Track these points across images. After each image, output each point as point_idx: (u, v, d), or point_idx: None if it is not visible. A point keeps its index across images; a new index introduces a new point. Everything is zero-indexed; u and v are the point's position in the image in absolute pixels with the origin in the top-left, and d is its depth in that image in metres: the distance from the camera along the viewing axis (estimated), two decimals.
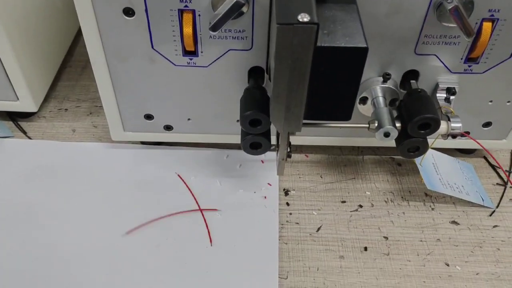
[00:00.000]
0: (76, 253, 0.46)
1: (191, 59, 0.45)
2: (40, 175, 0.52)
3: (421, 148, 0.44)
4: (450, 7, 0.38)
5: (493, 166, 0.56)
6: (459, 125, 0.44)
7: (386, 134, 0.43)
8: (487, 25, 0.41)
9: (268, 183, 0.53)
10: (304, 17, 0.32)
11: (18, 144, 0.56)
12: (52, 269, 0.45)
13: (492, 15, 0.41)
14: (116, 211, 0.49)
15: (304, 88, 0.36)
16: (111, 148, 0.55)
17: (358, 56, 0.35)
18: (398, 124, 0.44)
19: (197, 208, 0.50)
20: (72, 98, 0.62)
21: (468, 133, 0.51)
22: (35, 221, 0.48)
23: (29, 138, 0.57)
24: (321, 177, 0.54)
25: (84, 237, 0.47)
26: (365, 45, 0.34)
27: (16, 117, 0.58)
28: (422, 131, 0.43)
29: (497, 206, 0.52)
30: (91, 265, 0.45)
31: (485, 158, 0.57)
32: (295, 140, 0.53)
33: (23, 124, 0.58)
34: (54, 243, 0.47)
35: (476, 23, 0.41)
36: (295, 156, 0.56)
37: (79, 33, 0.68)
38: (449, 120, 0.44)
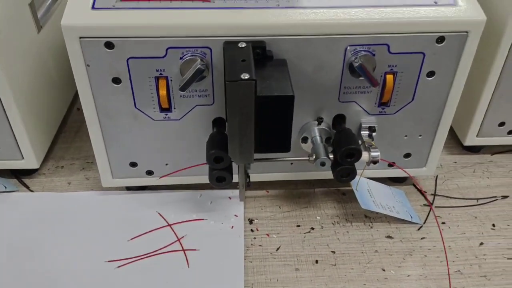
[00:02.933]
0: (71, 283, 0.55)
1: (166, 114, 0.57)
2: (42, 220, 0.62)
3: (351, 174, 0.56)
4: (357, 65, 0.52)
5: (420, 191, 0.68)
6: (378, 153, 0.56)
7: (322, 163, 0.55)
8: (389, 77, 0.55)
9: (235, 215, 0.63)
10: (245, 76, 0.45)
11: (22, 196, 0.66)
12: None
13: (392, 69, 0.55)
14: (107, 247, 0.59)
15: (252, 128, 0.48)
16: (101, 195, 0.66)
17: (287, 102, 0.47)
18: (331, 156, 0.56)
19: (176, 239, 0.60)
20: (67, 158, 0.72)
21: (394, 163, 0.64)
22: (38, 258, 0.57)
23: (31, 191, 0.67)
24: (280, 208, 0.65)
25: (80, 269, 0.56)
26: (292, 94, 0.47)
27: (19, 175, 0.69)
28: (349, 159, 0.55)
29: (424, 222, 0.63)
30: None
31: (413, 185, 0.69)
32: (257, 177, 0.64)
33: (26, 180, 0.68)
34: (55, 276, 0.56)
35: (381, 75, 0.55)
36: (257, 192, 0.67)
37: (71, 105, 0.80)
38: (369, 150, 0.56)
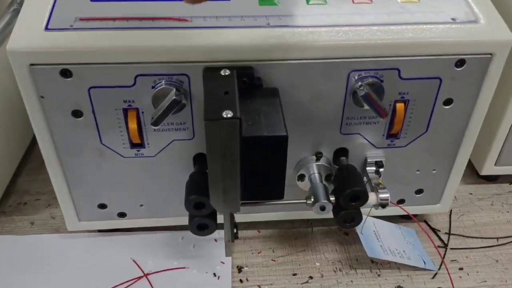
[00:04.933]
0: None
1: (138, 151, 0.48)
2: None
3: (356, 219, 0.48)
4: (362, 94, 0.44)
5: (433, 229, 0.60)
6: (387, 195, 0.48)
7: (322, 208, 0.47)
8: (400, 106, 0.47)
9: (222, 262, 0.55)
10: (228, 113, 0.36)
11: None
12: None
13: (403, 97, 0.46)
14: None
15: (237, 173, 0.39)
16: (68, 239, 0.57)
17: (279, 143, 0.39)
18: (332, 198, 0.47)
19: None
20: (32, 192, 0.64)
21: (403, 201, 0.55)
22: None
23: None
24: (273, 251, 0.57)
25: None
26: (285, 134, 0.39)
27: None
28: (353, 203, 0.46)
29: (439, 268, 0.55)
30: None
31: (425, 222, 0.60)
32: (247, 217, 0.56)
33: None
34: None
35: (390, 104, 0.47)
36: (247, 232, 0.59)
37: None
38: (377, 191, 0.48)
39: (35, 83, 0.42)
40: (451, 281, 0.52)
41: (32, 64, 0.42)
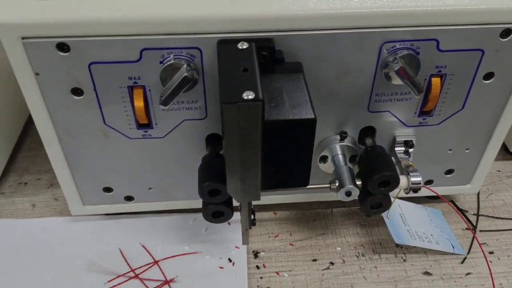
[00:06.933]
0: None
1: (146, 131, 0.44)
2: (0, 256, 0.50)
3: (384, 204, 0.44)
4: (397, 69, 0.39)
5: (461, 210, 0.56)
6: (419, 179, 0.44)
7: (348, 194, 0.43)
8: (436, 81, 0.42)
9: (236, 246, 0.51)
10: (248, 95, 0.32)
11: None
12: None
13: (440, 71, 0.42)
14: None
15: (257, 160, 0.35)
16: (71, 222, 0.54)
17: (307, 127, 0.34)
18: (359, 182, 0.44)
19: (165, 281, 0.48)
20: (32, 170, 0.60)
21: (431, 181, 0.51)
22: None
23: None
24: (291, 235, 0.53)
25: None
26: (313, 116, 0.34)
27: None
28: (383, 188, 0.43)
29: (468, 252, 0.52)
30: None
31: (452, 202, 0.57)
32: (262, 199, 0.52)
33: None
34: None
35: (425, 79, 0.42)
36: (263, 215, 0.55)
37: None
38: (408, 174, 0.44)
39: (28, 58, 0.38)
40: (488, 266, 0.49)
41: (24, 38, 0.37)
